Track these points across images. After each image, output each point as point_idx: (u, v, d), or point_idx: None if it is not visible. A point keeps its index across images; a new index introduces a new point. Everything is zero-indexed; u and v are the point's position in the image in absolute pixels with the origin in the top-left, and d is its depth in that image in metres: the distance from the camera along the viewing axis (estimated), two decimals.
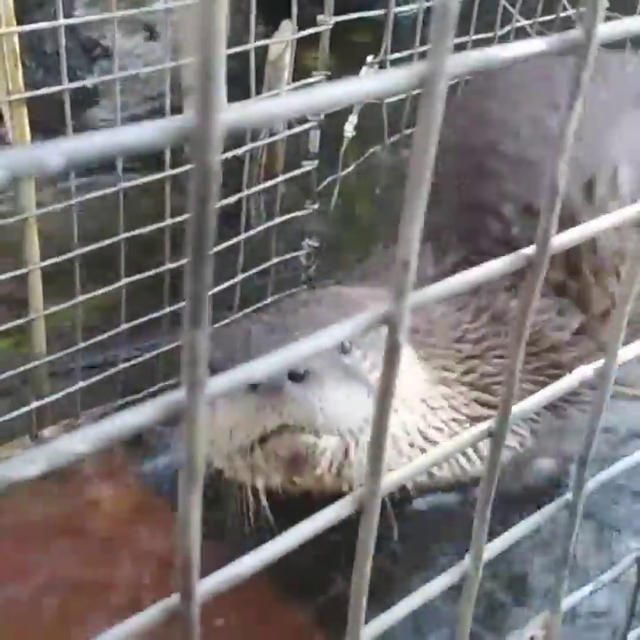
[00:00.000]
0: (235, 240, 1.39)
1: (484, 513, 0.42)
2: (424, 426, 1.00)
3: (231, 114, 0.25)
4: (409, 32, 1.61)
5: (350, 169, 1.61)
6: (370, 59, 1.44)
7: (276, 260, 1.49)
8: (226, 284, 1.40)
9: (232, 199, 1.37)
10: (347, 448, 0.90)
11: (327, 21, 1.39)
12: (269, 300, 1.50)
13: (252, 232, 1.43)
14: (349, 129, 1.44)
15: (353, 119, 1.40)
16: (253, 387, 0.85)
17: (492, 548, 0.45)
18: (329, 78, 1.42)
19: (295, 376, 0.85)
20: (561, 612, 0.50)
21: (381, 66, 1.48)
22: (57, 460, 0.26)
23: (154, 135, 0.24)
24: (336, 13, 1.36)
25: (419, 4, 1.55)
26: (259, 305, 1.49)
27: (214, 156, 0.24)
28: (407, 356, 1.02)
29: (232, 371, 0.29)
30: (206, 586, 0.31)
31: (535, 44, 0.32)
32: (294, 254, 1.52)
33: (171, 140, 0.24)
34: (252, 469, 0.91)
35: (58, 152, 0.22)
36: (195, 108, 0.23)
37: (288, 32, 1.37)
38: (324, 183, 1.50)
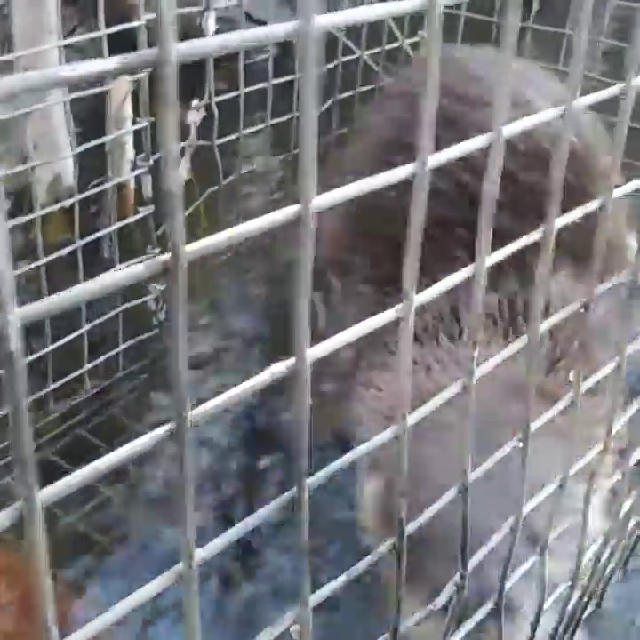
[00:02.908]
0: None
1: None
2: None
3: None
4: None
5: (189, 211, 1.66)
6: (195, 102, 1.50)
7: (123, 307, 1.50)
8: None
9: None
10: None
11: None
12: (122, 347, 1.51)
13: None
14: (182, 172, 1.49)
15: (184, 162, 1.45)
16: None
17: None
18: (153, 124, 1.46)
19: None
20: (310, 606, 0.48)
21: (208, 108, 1.55)
22: None
23: None
24: None
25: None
26: (113, 351, 1.49)
27: None
28: None
29: None
30: None
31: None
32: (142, 300, 1.53)
33: None
34: None
35: None
36: None
37: (125, 84, 1.40)
38: (162, 229, 1.54)
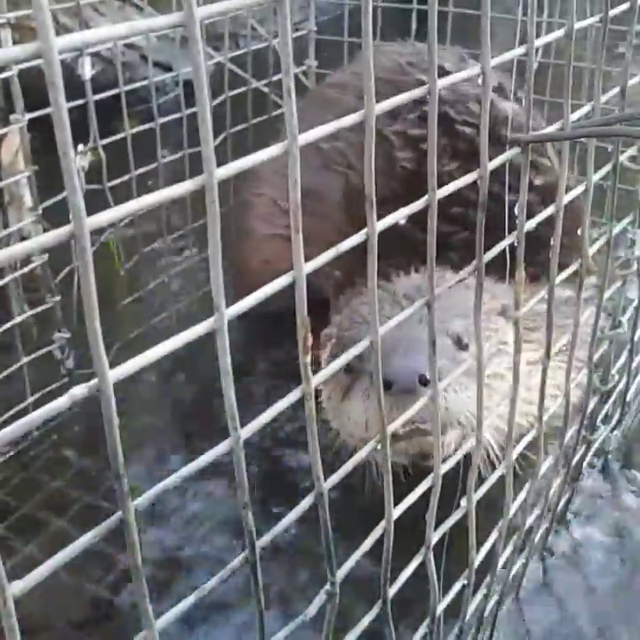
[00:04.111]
0: None
1: None
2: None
3: None
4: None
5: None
6: (80, 147, 1.51)
7: (26, 360, 1.47)
8: None
9: None
10: (465, 435, 1.01)
11: (20, 119, 1.42)
12: (31, 399, 1.47)
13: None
14: None
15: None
16: (387, 386, 0.94)
17: None
18: (36, 172, 1.45)
19: (424, 380, 0.99)
20: (155, 628, 0.49)
21: (95, 149, 1.55)
22: None
23: None
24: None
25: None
26: (18, 407, 1.45)
27: None
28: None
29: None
30: None
31: None
32: (47, 349, 1.50)
33: None
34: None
35: None
36: None
37: (16, 136, 1.40)
38: (61, 275, 1.52)
